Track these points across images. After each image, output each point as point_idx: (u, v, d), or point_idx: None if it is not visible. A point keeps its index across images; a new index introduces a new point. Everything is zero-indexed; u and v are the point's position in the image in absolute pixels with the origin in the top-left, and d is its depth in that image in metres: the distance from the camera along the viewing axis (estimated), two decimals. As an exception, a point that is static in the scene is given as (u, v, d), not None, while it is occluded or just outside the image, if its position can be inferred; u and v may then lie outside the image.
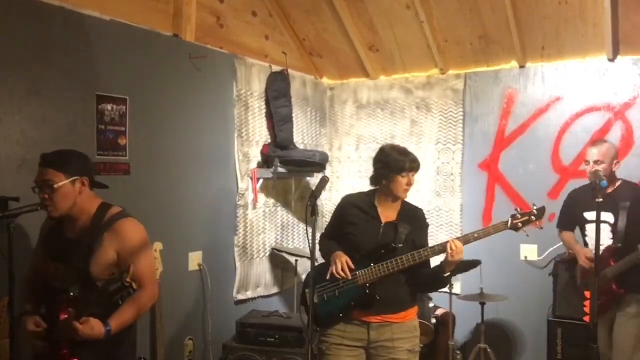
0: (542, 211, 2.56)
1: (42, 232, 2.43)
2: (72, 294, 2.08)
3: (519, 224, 2.55)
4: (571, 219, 3.48)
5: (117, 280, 2.03)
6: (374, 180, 2.77)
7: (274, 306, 4.18)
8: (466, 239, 2.56)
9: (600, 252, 3.00)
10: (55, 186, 2.15)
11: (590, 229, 3.26)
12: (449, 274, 2.55)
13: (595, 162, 3.17)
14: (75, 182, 2.21)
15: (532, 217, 2.55)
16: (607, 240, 3.20)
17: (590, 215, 3.23)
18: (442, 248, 2.56)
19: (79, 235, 2.26)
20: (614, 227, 3.20)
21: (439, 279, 2.61)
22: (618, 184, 3.28)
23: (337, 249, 2.72)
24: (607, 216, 3.19)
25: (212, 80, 3.75)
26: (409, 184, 2.67)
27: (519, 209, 2.60)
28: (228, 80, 3.89)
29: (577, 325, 3.51)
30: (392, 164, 2.65)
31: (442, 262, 2.56)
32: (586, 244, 3.39)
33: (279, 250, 4.31)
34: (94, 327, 2.09)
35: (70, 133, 2.90)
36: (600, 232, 2.99)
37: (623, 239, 3.13)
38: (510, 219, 2.58)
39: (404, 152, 2.71)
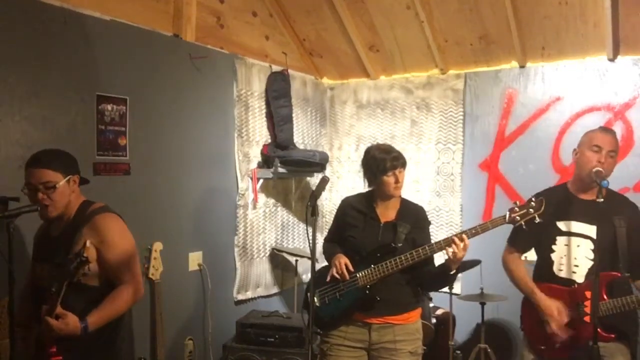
0: (540, 203, 2.45)
1: (34, 240, 2.44)
2: (53, 289, 2.06)
3: (517, 217, 2.47)
4: (533, 234, 2.60)
5: (76, 257, 2.02)
6: (367, 182, 2.76)
7: (274, 306, 4.18)
8: (464, 235, 2.52)
9: (585, 280, 2.56)
10: (57, 186, 2.17)
11: (564, 243, 2.63)
12: (454, 271, 2.51)
13: (609, 152, 2.56)
14: (70, 180, 2.24)
15: (530, 210, 2.45)
16: (585, 260, 2.58)
17: (567, 225, 2.63)
18: (444, 244, 2.51)
19: (61, 232, 2.28)
20: (598, 245, 2.56)
21: (444, 277, 2.57)
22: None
23: (338, 252, 2.71)
24: (590, 229, 2.58)
25: (212, 80, 3.75)
26: (397, 182, 2.63)
27: (517, 202, 2.52)
28: (228, 80, 3.90)
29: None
30: (375, 166, 2.64)
31: (446, 260, 2.51)
32: (548, 265, 2.68)
33: (279, 250, 4.31)
34: (68, 322, 2.07)
35: (70, 133, 2.90)
36: (577, 249, 2.60)
37: (620, 266, 2.45)
38: (508, 212, 2.50)
39: (386, 151, 2.66)
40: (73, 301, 2.12)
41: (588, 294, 2.52)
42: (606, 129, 2.69)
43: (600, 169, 2.49)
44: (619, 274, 2.48)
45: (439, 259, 2.65)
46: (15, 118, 2.68)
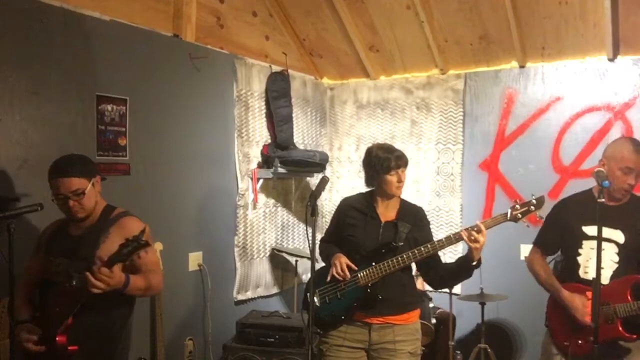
0: (541, 200, 2.48)
1: (41, 238, 2.45)
2: (74, 282, 2.14)
3: (519, 214, 2.49)
4: (559, 236, 2.78)
5: (132, 242, 2.06)
6: (367, 181, 2.77)
7: (274, 306, 4.18)
8: (461, 235, 2.52)
9: (610, 281, 2.60)
10: (86, 192, 2.25)
11: (589, 247, 2.66)
12: (475, 262, 2.49)
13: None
14: (93, 183, 2.32)
15: (532, 207, 2.48)
16: (610, 263, 2.61)
17: (593, 230, 2.58)
18: (446, 242, 2.52)
19: (85, 231, 2.34)
20: (622, 249, 2.60)
21: (465, 269, 2.54)
22: (629, 196, 2.69)
23: (336, 252, 2.71)
24: (615, 234, 2.60)
25: (212, 80, 3.75)
26: (400, 181, 2.65)
27: (517, 201, 2.54)
28: (228, 80, 3.89)
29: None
30: (378, 165, 2.65)
31: (467, 252, 2.50)
32: (574, 268, 2.74)
33: (279, 250, 4.31)
34: (115, 274, 2.11)
35: (70, 133, 2.90)
36: (602, 252, 2.50)
37: None
38: (509, 210, 2.52)
39: (388, 150, 2.68)
40: (90, 294, 2.17)
41: (611, 295, 2.56)
42: (638, 147, 2.63)
43: (602, 169, 2.51)
44: None
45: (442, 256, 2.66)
46: (15, 118, 2.68)
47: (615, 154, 2.65)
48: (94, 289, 2.07)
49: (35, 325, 2.24)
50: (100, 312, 2.26)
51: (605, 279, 2.59)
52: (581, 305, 2.63)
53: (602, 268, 2.55)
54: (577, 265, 2.72)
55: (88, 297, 2.12)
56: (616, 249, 2.62)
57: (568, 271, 2.78)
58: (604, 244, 2.59)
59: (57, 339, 2.16)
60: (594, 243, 2.59)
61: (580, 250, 2.71)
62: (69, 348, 2.17)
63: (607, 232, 2.60)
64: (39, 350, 2.19)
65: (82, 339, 2.19)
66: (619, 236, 2.63)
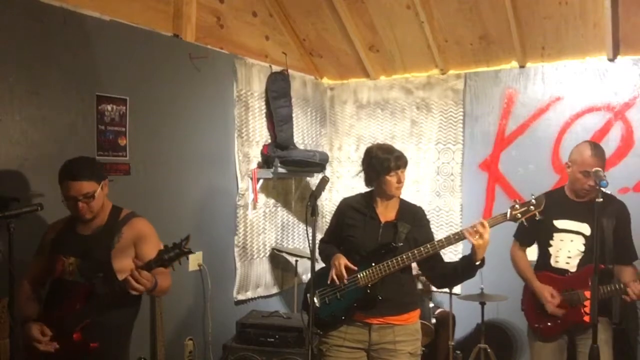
0: (540, 200, 2.49)
1: (45, 238, 2.47)
2: (95, 283, 2.23)
3: (518, 214, 2.49)
4: (534, 230, 2.92)
5: (173, 249, 2.14)
6: (366, 182, 2.76)
7: (274, 306, 4.18)
8: (464, 233, 2.52)
9: (577, 269, 2.87)
10: (95, 195, 2.31)
11: (559, 238, 2.94)
12: (479, 262, 2.48)
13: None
14: (102, 186, 2.37)
15: (531, 207, 2.48)
16: (577, 252, 2.90)
17: (562, 224, 2.93)
18: (445, 242, 2.52)
19: (95, 232, 2.39)
20: (588, 240, 2.85)
21: (468, 268, 2.53)
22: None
23: (336, 252, 2.71)
24: (582, 227, 2.88)
25: (212, 80, 3.75)
26: (399, 182, 2.64)
27: (517, 200, 2.55)
28: (228, 80, 3.90)
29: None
30: (378, 165, 2.64)
31: (471, 251, 2.49)
32: (546, 257, 2.99)
33: (279, 250, 4.32)
34: (150, 277, 2.19)
35: (70, 133, 2.90)
36: (570, 243, 2.90)
37: (606, 259, 2.76)
38: (509, 210, 2.51)
39: (388, 151, 2.67)
40: (101, 289, 2.25)
41: (578, 282, 2.86)
42: (596, 151, 2.85)
43: (599, 169, 2.61)
44: (603, 266, 2.74)
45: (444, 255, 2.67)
46: (15, 118, 2.68)
47: (576, 158, 2.89)
48: (134, 291, 2.16)
49: (45, 323, 2.26)
50: (112, 311, 2.30)
51: (573, 267, 2.92)
52: (550, 296, 2.90)
53: (570, 257, 2.93)
54: (549, 255, 2.99)
55: (106, 297, 2.20)
56: (583, 240, 2.89)
57: (542, 260, 3.05)
58: (573, 236, 2.92)
59: (74, 336, 2.21)
60: (563, 235, 2.95)
61: (551, 242, 2.98)
62: (91, 345, 2.22)
63: (575, 225, 2.91)
64: (50, 350, 2.22)
65: (95, 336, 2.24)
66: (585, 229, 2.88)
